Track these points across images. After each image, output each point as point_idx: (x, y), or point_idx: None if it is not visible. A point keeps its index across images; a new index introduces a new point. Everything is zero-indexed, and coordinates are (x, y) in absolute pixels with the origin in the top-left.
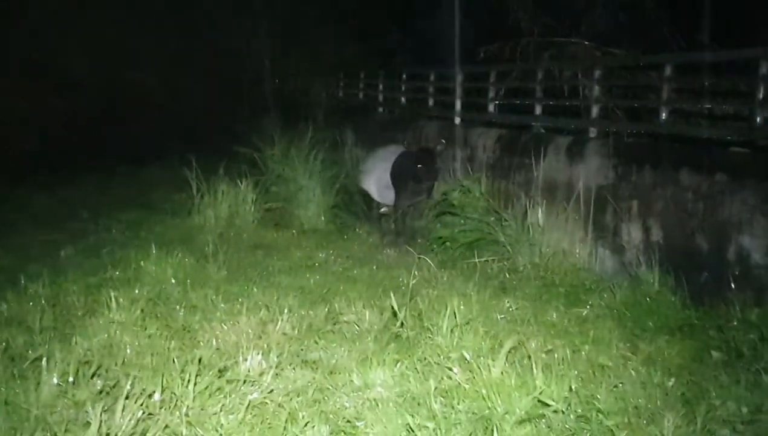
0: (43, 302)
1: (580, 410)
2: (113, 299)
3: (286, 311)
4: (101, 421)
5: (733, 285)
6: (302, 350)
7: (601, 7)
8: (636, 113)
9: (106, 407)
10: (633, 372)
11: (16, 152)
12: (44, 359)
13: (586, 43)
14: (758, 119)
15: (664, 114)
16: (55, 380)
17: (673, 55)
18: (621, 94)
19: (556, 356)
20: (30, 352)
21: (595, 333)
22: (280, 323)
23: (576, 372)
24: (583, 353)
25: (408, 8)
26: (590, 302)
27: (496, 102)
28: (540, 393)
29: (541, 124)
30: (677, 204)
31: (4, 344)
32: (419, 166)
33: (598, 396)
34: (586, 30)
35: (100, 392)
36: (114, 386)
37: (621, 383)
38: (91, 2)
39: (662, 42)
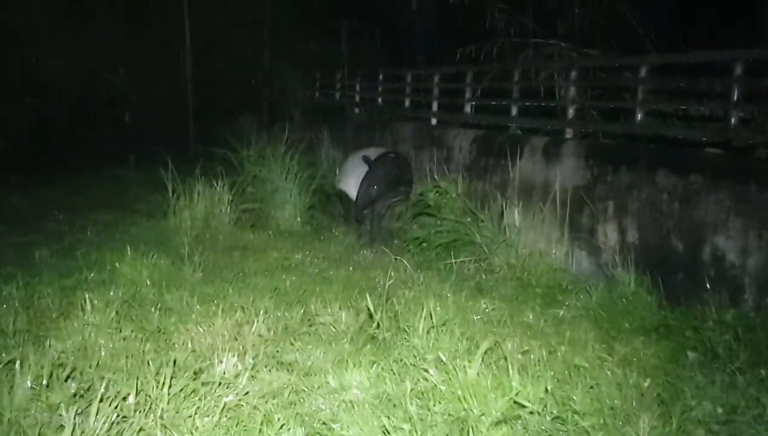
0: (16, 304)
1: (556, 411)
2: (88, 301)
3: (261, 312)
4: (75, 424)
5: (708, 286)
6: (278, 351)
7: (577, 8)
8: (612, 114)
9: (80, 410)
10: (609, 373)
11: None
12: (18, 362)
13: (563, 44)
14: (733, 120)
15: (639, 115)
16: (28, 384)
17: (648, 56)
18: (597, 95)
19: (532, 357)
20: (3, 355)
21: (572, 334)
22: (255, 324)
23: (552, 373)
24: (559, 354)
25: (386, 9)
26: (566, 303)
27: (473, 103)
28: (516, 394)
29: (518, 125)
30: (653, 205)
31: None
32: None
33: (574, 397)
34: (562, 31)
35: (74, 395)
36: (88, 389)
37: (597, 384)
38: (65, 2)
39: (638, 43)
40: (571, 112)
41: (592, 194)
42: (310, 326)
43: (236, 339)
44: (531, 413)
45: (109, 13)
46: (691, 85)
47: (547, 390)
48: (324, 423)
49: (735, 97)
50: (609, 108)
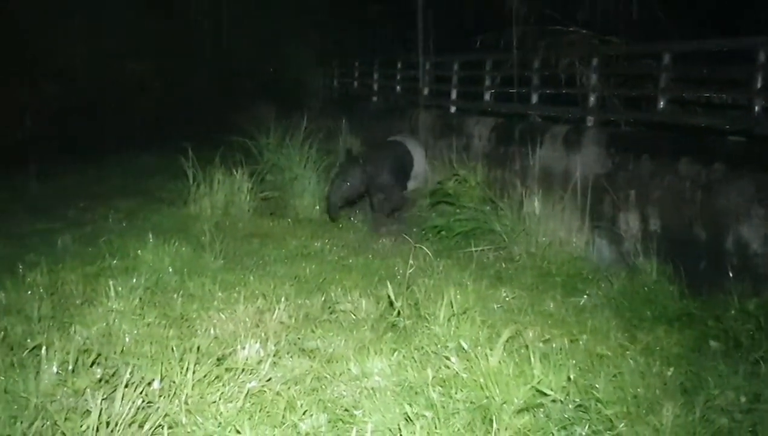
0: (41, 290)
1: (578, 400)
2: (111, 288)
3: (282, 299)
4: (101, 409)
5: (731, 275)
6: (299, 338)
7: None
8: (634, 102)
9: (105, 396)
10: (631, 362)
11: (11, 141)
12: (43, 347)
13: (584, 31)
14: (756, 108)
15: (662, 103)
16: (54, 369)
17: (671, 44)
18: (619, 83)
19: (553, 345)
20: (29, 341)
21: (593, 323)
22: (277, 311)
23: (574, 362)
24: (581, 342)
25: None
26: (587, 292)
27: (492, 91)
28: (538, 383)
29: (538, 113)
30: (675, 193)
31: (2, 332)
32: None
33: (597, 386)
34: (583, 18)
35: (100, 380)
36: (113, 375)
37: (620, 372)
38: None
39: (660, 30)
40: (592, 100)
41: (613, 183)
42: (331, 313)
43: (258, 326)
44: (553, 401)
45: (132, 1)
46: (714, 73)
47: (569, 378)
48: (346, 410)
49: (758, 85)
50: (630, 96)
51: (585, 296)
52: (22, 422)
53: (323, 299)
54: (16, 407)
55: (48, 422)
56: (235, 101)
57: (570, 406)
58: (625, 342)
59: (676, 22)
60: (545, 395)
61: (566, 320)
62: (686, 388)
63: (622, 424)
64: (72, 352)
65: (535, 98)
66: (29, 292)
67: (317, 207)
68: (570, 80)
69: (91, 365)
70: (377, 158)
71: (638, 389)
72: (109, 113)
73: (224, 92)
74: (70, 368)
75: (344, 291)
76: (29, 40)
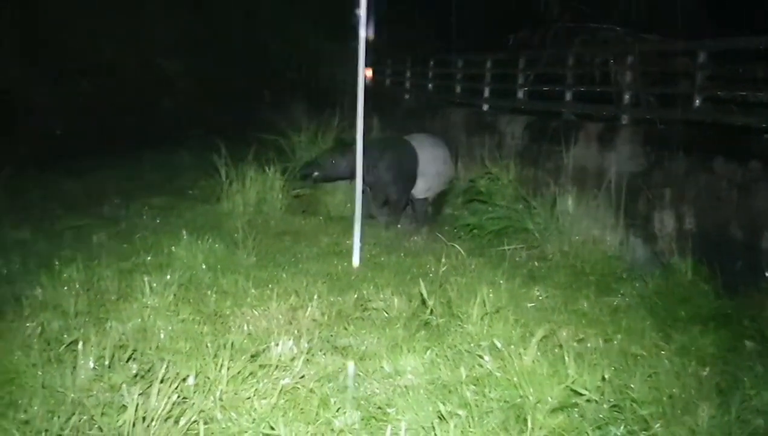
0: (77, 286)
1: (613, 400)
2: (146, 284)
3: (315, 297)
4: (137, 404)
5: (767, 274)
6: (332, 336)
7: None
8: (669, 100)
9: (141, 391)
10: (667, 362)
11: (46, 138)
12: (80, 343)
13: (618, 28)
14: None
15: (697, 101)
16: (91, 364)
17: (707, 41)
18: (654, 81)
19: (588, 345)
20: (66, 336)
21: (628, 323)
22: (309, 309)
23: (608, 361)
24: (616, 342)
25: None
26: (622, 291)
27: (525, 88)
28: (572, 382)
29: (572, 111)
30: (711, 192)
31: (39, 328)
32: None
33: (632, 386)
34: (618, 15)
35: (135, 375)
36: (149, 370)
37: (655, 372)
38: None
39: (696, 28)
40: (627, 97)
41: (648, 181)
42: (363, 311)
43: (291, 323)
44: (588, 401)
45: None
46: (750, 71)
47: (604, 378)
48: (379, 407)
49: None
50: (666, 94)
51: (619, 296)
52: (59, 417)
53: (356, 296)
54: (53, 401)
55: (85, 417)
56: (267, 99)
57: (605, 406)
58: (660, 342)
59: (712, 19)
60: (580, 394)
61: (600, 319)
62: (722, 388)
63: (658, 424)
64: (108, 347)
65: (568, 96)
66: (65, 287)
67: (349, 205)
68: (604, 78)
69: (127, 361)
70: (367, 148)
71: (673, 390)
72: (143, 110)
73: (257, 90)
74: (107, 363)
75: (376, 289)
76: (64, 38)
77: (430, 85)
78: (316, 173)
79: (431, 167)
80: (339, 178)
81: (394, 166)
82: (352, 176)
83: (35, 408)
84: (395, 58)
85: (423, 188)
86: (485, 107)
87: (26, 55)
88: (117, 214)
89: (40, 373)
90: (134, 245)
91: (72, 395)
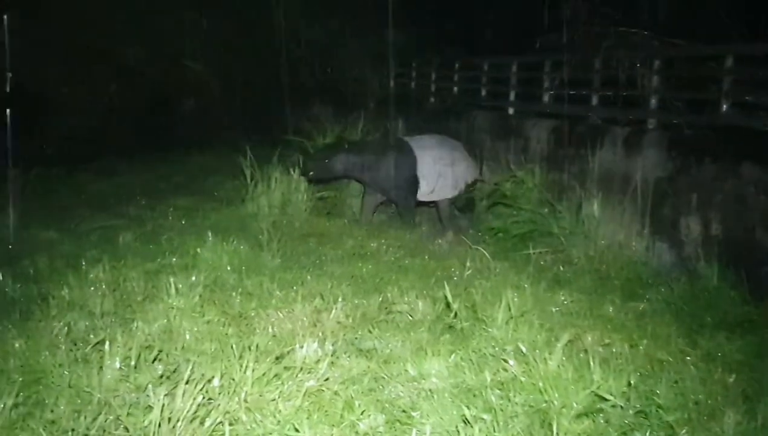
0: (104, 287)
1: (638, 405)
2: (172, 285)
3: (339, 299)
4: (163, 405)
5: None
6: (357, 338)
7: None
8: (696, 105)
9: (167, 391)
10: (692, 368)
11: (73, 138)
12: (106, 343)
13: (645, 33)
14: None
15: (725, 106)
16: (117, 364)
17: (734, 45)
18: (680, 85)
19: (613, 350)
20: (92, 336)
21: (653, 328)
22: (334, 311)
23: (634, 367)
24: (641, 347)
25: None
26: (647, 297)
27: (551, 92)
28: (598, 387)
29: (598, 115)
30: (738, 198)
31: (66, 328)
32: None
33: (658, 391)
34: (645, 20)
35: (161, 376)
36: (174, 371)
37: (680, 378)
38: None
39: (723, 32)
40: (653, 102)
41: (674, 186)
42: (388, 314)
43: (316, 325)
44: (613, 406)
45: (192, 1)
46: None
47: (629, 384)
48: (404, 411)
49: None
50: (693, 98)
51: (645, 301)
52: (85, 417)
53: (380, 299)
54: (79, 401)
55: (111, 417)
56: (292, 101)
57: (630, 412)
58: (686, 348)
59: (739, 23)
60: (605, 400)
61: (626, 324)
62: (748, 395)
63: (684, 430)
64: (134, 348)
65: (595, 100)
66: (92, 288)
67: None
68: (631, 82)
69: (153, 361)
70: (362, 150)
71: (699, 396)
72: (170, 112)
73: (282, 92)
74: (132, 363)
75: (401, 292)
76: (93, 40)
77: (455, 88)
78: (311, 173)
79: (431, 169)
80: (335, 178)
81: (389, 169)
82: (346, 176)
83: (62, 408)
84: (420, 60)
85: (425, 191)
86: (511, 111)
87: (55, 56)
88: (143, 215)
89: (66, 373)
90: (160, 245)
91: (98, 395)
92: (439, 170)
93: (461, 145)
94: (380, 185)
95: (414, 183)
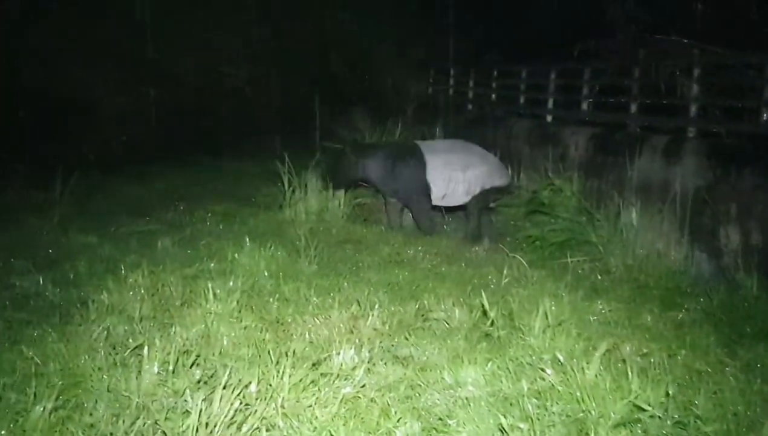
0: (142, 291)
1: (677, 416)
2: (210, 290)
3: (376, 306)
4: (200, 410)
5: None
6: (393, 345)
7: (700, 3)
8: (736, 113)
9: (204, 396)
10: (732, 378)
11: (112, 144)
12: (145, 347)
13: (684, 40)
14: None
15: (765, 115)
16: (155, 369)
17: None
18: (720, 93)
19: (651, 360)
20: (131, 340)
21: (692, 338)
22: (371, 318)
23: (672, 377)
24: (680, 357)
25: (502, 4)
26: (686, 306)
27: (590, 100)
28: (636, 397)
29: (636, 123)
30: None
31: (105, 332)
32: None
33: (696, 402)
34: (684, 27)
35: (199, 381)
36: (212, 376)
37: (719, 389)
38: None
39: (763, 40)
40: (693, 110)
41: (714, 195)
42: (424, 321)
43: (352, 332)
44: (651, 416)
45: (230, 8)
46: None
47: (668, 394)
48: (440, 419)
49: None
50: (733, 107)
51: (683, 311)
52: (124, 421)
53: (416, 306)
54: (118, 405)
55: (149, 422)
56: (330, 107)
57: (668, 422)
58: (725, 358)
59: None
60: (643, 410)
61: (664, 334)
62: None
63: None
64: (172, 352)
65: (633, 108)
66: (131, 292)
67: (409, 214)
68: (670, 90)
69: (191, 366)
70: (373, 154)
71: (738, 407)
72: (208, 118)
73: (320, 98)
74: (171, 368)
75: (437, 299)
76: (129, 46)
77: (493, 95)
78: (331, 181)
79: (441, 173)
80: (354, 183)
81: (397, 173)
82: (365, 181)
83: (100, 412)
84: (458, 67)
85: (436, 196)
86: (549, 118)
87: (93, 63)
88: (181, 220)
89: (105, 377)
90: (198, 251)
91: (136, 399)
92: (449, 175)
93: (482, 150)
94: (391, 189)
95: (424, 187)
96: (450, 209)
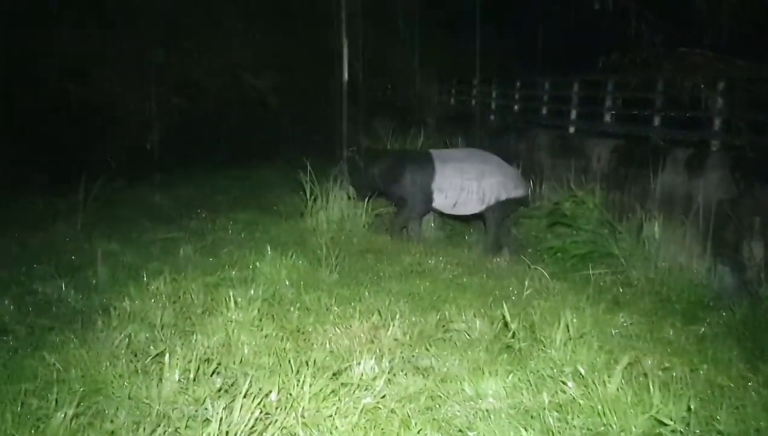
0: (164, 299)
1: (698, 431)
2: (231, 299)
3: (397, 316)
4: (221, 418)
5: None
6: (414, 356)
7: (724, 17)
8: (760, 127)
9: (225, 405)
10: (754, 394)
11: (136, 151)
12: (166, 355)
13: (709, 53)
14: None
15: None
16: (176, 377)
17: None
18: (745, 107)
19: (673, 374)
20: (152, 348)
21: (714, 352)
22: (391, 328)
23: (694, 392)
24: (702, 372)
25: (525, 16)
26: (708, 320)
27: (613, 112)
28: (657, 412)
29: (660, 136)
30: None
31: (127, 339)
32: None
33: (718, 417)
34: (708, 41)
35: (219, 389)
36: (232, 385)
37: (742, 404)
38: (209, 8)
39: None
40: (717, 123)
41: (737, 209)
42: (445, 332)
43: (373, 342)
44: (673, 431)
45: (255, 18)
46: None
47: (689, 409)
48: (460, 430)
49: None
50: (757, 120)
51: (706, 325)
52: (144, 428)
53: (437, 317)
54: (138, 412)
55: (170, 429)
56: (352, 116)
57: None
58: (748, 373)
59: None
60: (665, 424)
61: (686, 348)
62: None
63: None
64: (193, 360)
65: (657, 120)
66: (153, 300)
67: (432, 224)
68: (694, 103)
69: (212, 374)
70: (377, 163)
71: (761, 422)
72: (231, 126)
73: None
74: (191, 376)
75: (458, 310)
76: (155, 54)
77: (516, 107)
78: (351, 188)
79: (452, 181)
80: (374, 190)
81: (406, 178)
82: (383, 187)
83: (121, 419)
84: (481, 78)
85: (447, 204)
86: (571, 130)
87: (118, 71)
88: (203, 228)
89: (126, 384)
90: (220, 259)
91: (157, 406)
92: (462, 183)
93: (499, 159)
94: (397, 194)
95: (427, 194)
96: (465, 218)
